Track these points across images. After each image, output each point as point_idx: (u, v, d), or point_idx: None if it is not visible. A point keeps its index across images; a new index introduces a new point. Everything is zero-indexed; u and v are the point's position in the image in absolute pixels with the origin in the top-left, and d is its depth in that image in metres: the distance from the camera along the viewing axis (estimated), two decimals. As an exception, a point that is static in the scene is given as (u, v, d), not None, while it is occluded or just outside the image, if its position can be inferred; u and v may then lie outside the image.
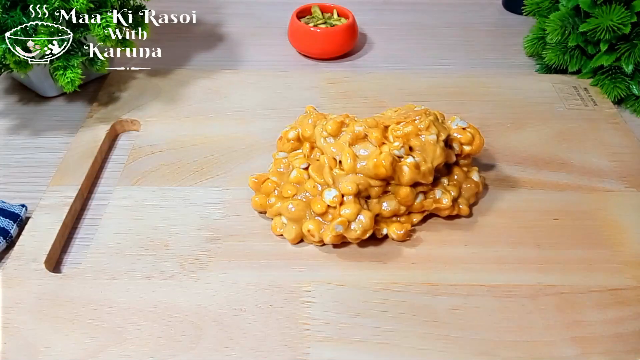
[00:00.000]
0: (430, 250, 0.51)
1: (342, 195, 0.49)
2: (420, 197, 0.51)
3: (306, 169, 0.52)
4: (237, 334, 0.43)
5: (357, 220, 0.48)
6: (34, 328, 0.43)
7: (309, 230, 0.49)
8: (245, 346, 0.43)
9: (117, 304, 0.45)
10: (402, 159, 0.49)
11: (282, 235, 0.51)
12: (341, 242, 0.50)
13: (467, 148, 0.53)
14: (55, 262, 0.50)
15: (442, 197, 0.52)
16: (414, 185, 0.50)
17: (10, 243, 0.50)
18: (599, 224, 0.53)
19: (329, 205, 0.49)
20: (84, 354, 0.42)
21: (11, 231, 0.50)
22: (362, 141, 0.50)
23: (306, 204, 0.50)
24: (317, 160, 0.52)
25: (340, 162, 0.50)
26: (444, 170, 0.53)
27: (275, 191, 0.52)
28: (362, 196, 0.50)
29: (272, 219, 0.52)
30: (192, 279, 0.47)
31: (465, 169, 0.54)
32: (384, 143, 0.50)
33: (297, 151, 0.55)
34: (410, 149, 0.50)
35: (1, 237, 0.49)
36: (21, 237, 0.50)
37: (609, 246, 0.51)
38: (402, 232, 0.51)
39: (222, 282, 0.47)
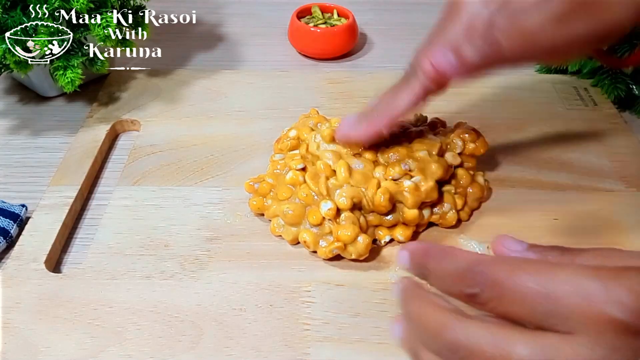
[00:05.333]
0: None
1: (337, 208, 0.48)
2: (427, 211, 0.51)
3: (302, 169, 0.52)
4: (237, 334, 0.43)
5: (354, 242, 0.48)
6: (34, 328, 0.43)
7: (305, 241, 0.49)
8: (246, 346, 0.43)
9: (118, 304, 0.45)
10: (400, 182, 0.49)
11: (281, 235, 0.51)
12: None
13: (471, 146, 0.53)
14: (55, 262, 0.50)
15: (449, 211, 0.52)
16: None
17: (10, 243, 0.50)
18: (599, 224, 0.53)
19: (324, 217, 0.49)
20: (84, 353, 0.42)
21: (11, 231, 0.50)
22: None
23: (303, 207, 0.50)
24: (313, 165, 0.51)
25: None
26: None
27: (272, 192, 0.52)
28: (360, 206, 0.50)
29: (271, 219, 0.52)
30: (192, 279, 0.47)
31: (470, 172, 0.54)
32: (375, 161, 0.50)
33: (294, 152, 0.54)
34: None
35: (1, 237, 0.49)
36: (21, 237, 0.50)
37: (609, 246, 0.51)
38: (409, 233, 0.51)
39: (222, 282, 0.47)
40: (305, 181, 0.50)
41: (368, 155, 0.50)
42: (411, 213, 0.49)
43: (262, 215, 0.53)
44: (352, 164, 0.50)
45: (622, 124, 0.66)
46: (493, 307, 0.27)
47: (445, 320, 0.28)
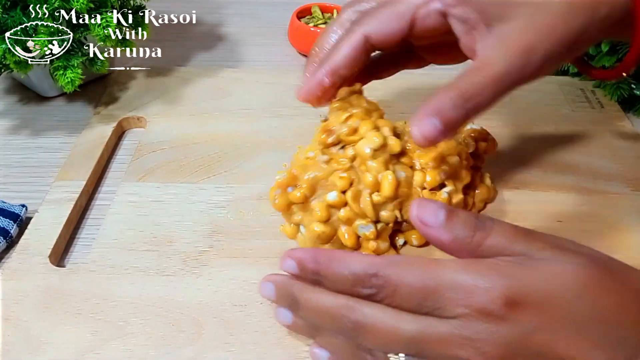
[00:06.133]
0: (434, 250, 0.50)
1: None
2: None
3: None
4: (238, 330, 0.43)
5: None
6: (37, 321, 0.43)
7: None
8: (246, 342, 0.42)
9: (120, 299, 0.45)
10: (437, 193, 0.48)
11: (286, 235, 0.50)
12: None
13: (483, 144, 0.53)
14: (59, 257, 0.50)
15: None
16: None
17: (11, 243, 0.50)
18: (604, 227, 0.53)
19: (359, 237, 0.47)
20: (86, 347, 0.42)
21: (11, 231, 0.50)
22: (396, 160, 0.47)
23: (337, 227, 0.47)
24: (356, 175, 0.46)
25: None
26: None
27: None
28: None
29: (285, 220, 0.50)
30: (194, 275, 0.47)
31: (479, 173, 0.54)
32: (411, 167, 0.48)
33: (341, 160, 0.47)
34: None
35: (1, 237, 0.49)
36: (26, 231, 0.50)
37: (613, 249, 0.50)
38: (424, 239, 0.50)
39: (224, 278, 0.47)
40: (346, 204, 0.46)
41: (404, 159, 0.47)
42: None
43: (272, 214, 0.51)
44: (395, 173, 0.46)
45: (628, 126, 0.66)
46: (388, 303, 0.33)
47: (349, 304, 0.34)
